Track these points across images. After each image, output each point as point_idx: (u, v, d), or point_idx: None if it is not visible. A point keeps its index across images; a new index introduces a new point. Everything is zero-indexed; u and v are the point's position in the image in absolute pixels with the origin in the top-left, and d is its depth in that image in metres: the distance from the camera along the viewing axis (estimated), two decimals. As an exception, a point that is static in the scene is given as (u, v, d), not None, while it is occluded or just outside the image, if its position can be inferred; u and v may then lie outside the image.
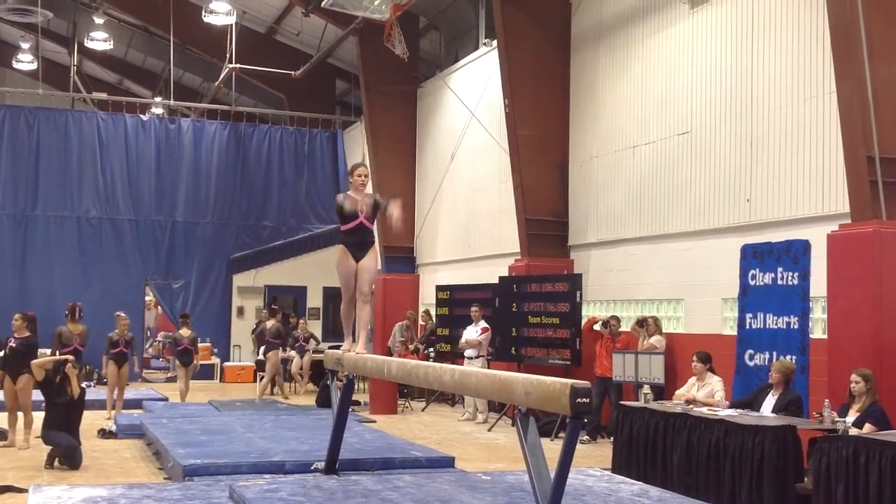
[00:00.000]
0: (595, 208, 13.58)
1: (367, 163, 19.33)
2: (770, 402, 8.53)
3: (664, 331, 11.76)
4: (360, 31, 17.61)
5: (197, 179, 21.64)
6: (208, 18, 19.11)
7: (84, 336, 12.77)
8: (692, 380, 9.77)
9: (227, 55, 20.16)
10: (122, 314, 14.46)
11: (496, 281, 14.59)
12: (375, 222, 7.98)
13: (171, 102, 22.67)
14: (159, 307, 23.68)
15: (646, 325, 11.72)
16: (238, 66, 20.18)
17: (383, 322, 17.73)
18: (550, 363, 12.89)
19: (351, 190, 7.74)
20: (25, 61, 25.48)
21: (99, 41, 22.60)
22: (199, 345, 18.09)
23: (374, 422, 13.38)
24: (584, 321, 12.78)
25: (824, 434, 7.39)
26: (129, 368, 14.25)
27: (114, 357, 13.87)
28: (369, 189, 7.89)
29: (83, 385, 10.42)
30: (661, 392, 10.83)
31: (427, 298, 18.17)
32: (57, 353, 11.78)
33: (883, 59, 8.57)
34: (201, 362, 19.08)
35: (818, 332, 9.42)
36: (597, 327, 12.42)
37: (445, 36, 18.82)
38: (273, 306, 19.09)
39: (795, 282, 9.43)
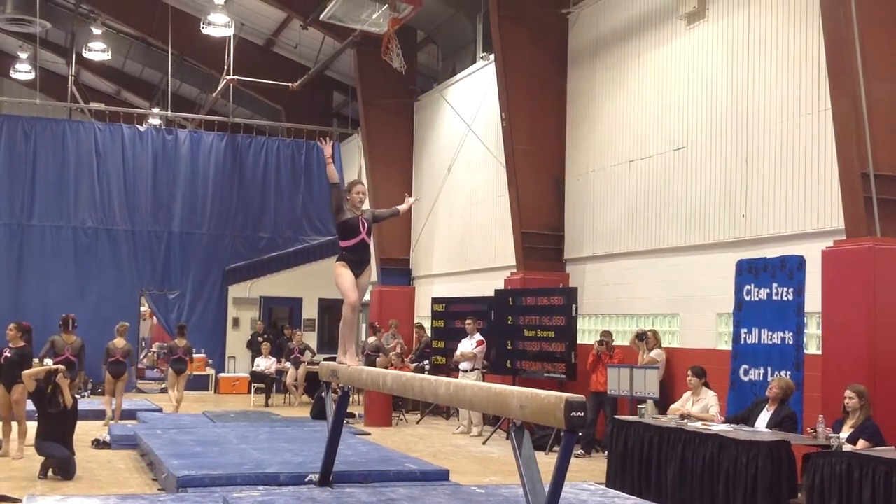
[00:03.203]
0: (591, 222, 13.61)
1: (364, 175, 19.44)
2: (764, 417, 8.55)
3: (659, 345, 11.75)
4: (357, 44, 17.69)
5: (193, 190, 21.64)
6: (206, 30, 19.16)
7: (77, 347, 12.86)
8: (687, 394, 9.79)
9: (225, 67, 20.21)
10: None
11: (492, 294, 14.60)
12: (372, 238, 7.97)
13: (169, 113, 22.72)
14: (154, 317, 23.66)
15: (645, 338, 11.63)
16: (236, 77, 20.23)
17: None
18: (545, 377, 12.89)
19: (349, 206, 7.71)
20: (23, 71, 25.52)
21: (97, 52, 22.65)
22: (195, 356, 18.12)
23: (369, 434, 13.36)
24: (578, 338, 12.83)
25: (818, 450, 7.41)
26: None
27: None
28: (366, 205, 7.87)
29: (76, 395, 10.42)
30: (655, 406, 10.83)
31: (423, 311, 18.17)
32: (50, 360, 11.80)
33: (878, 77, 8.63)
34: (196, 373, 19.10)
35: (812, 347, 9.44)
36: (595, 349, 12.26)
37: (443, 49, 18.89)
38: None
39: (790, 297, 9.46)
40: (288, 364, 18.33)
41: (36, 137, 20.57)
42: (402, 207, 8.21)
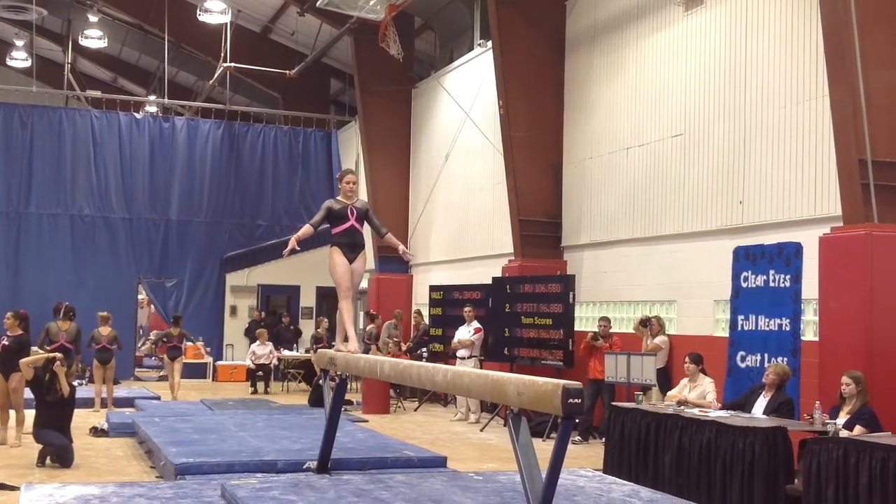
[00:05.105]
0: (588, 209, 13.61)
1: (362, 162, 19.41)
2: (761, 403, 8.56)
3: (657, 332, 11.73)
4: (355, 30, 17.63)
5: (191, 178, 21.62)
6: (203, 17, 19.08)
7: (72, 333, 12.88)
8: (684, 381, 9.80)
9: (222, 54, 20.15)
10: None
11: (489, 281, 14.60)
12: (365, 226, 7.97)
13: (166, 101, 22.65)
14: (152, 305, 23.65)
15: (649, 324, 11.57)
16: (232, 64, 20.17)
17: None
18: (543, 364, 12.90)
19: (340, 195, 7.79)
20: (19, 59, 25.46)
21: (93, 39, 22.57)
22: (192, 343, 18.15)
23: (367, 421, 13.38)
24: (576, 325, 12.83)
25: (815, 436, 7.42)
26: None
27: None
28: (363, 196, 7.92)
29: (74, 383, 10.42)
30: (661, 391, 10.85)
31: (420, 298, 18.18)
32: (45, 348, 11.83)
33: (876, 64, 8.61)
34: (194, 361, 19.16)
35: (809, 334, 9.46)
36: (591, 338, 12.24)
37: (440, 36, 18.84)
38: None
39: (787, 284, 9.45)
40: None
41: (32, 125, 20.54)
42: (391, 236, 8.15)
